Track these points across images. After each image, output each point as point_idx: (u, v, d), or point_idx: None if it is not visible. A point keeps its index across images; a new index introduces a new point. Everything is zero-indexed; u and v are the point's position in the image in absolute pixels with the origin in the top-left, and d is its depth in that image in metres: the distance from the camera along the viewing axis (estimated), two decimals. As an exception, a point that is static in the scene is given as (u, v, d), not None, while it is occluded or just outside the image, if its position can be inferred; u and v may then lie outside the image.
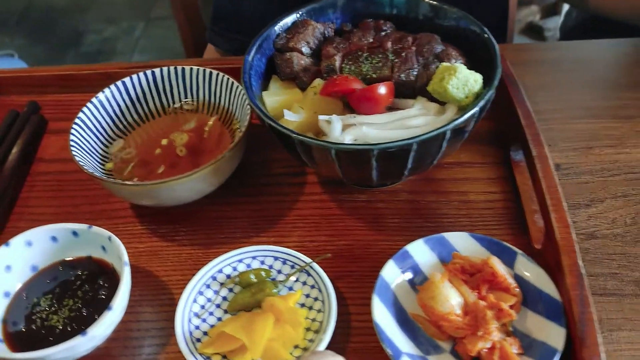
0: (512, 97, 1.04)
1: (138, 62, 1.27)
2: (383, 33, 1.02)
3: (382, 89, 0.87)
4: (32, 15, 3.80)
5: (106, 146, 1.05)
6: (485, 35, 0.94)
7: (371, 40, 1.00)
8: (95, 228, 0.89)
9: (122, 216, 1.03)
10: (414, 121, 0.87)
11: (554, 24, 3.21)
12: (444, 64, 0.91)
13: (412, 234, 0.96)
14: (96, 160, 1.01)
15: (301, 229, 0.99)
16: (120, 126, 1.08)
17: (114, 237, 0.87)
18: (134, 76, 1.07)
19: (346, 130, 0.86)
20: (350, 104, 0.90)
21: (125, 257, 0.84)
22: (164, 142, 1.06)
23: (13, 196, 1.07)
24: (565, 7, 2.87)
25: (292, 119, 0.89)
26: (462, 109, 0.90)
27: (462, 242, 0.90)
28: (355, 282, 0.91)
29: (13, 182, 1.08)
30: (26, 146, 1.15)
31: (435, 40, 0.97)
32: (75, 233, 0.90)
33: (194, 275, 0.89)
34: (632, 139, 1.08)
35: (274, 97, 0.93)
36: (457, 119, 0.83)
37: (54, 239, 0.91)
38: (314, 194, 1.04)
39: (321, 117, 0.88)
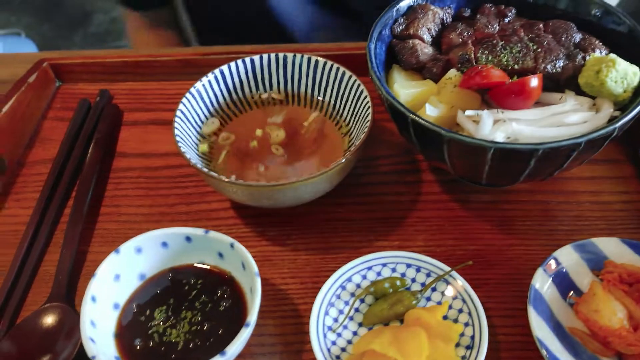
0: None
1: (218, 47, 1.16)
2: (507, 20, 0.94)
3: (535, 82, 0.79)
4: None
5: (200, 127, 0.97)
6: (634, 29, 0.86)
7: (498, 27, 0.92)
8: (213, 233, 0.81)
9: (223, 217, 0.95)
10: (570, 117, 0.79)
11: None
12: (595, 54, 0.83)
13: (546, 238, 0.89)
14: (194, 150, 0.93)
15: (424, 232, 0.91)
16: (215, 112, 1.00)
17: (237, 243, 0.79)
18: (232, 64, 0.98)
19: (495, 126, 0.78)
20: (493, 99, 0.82)
21: (255, 267, 0.76)
22: (259, 132, 0.97)
23: (98, 195, 0.98)
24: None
25: (433, 113, 0.81)
26: (616, 104, 0.82)
27: (614, 249, 0.82)
28: (494, 291, 0.84)
29: (95, 181, 0.99)
30: (105, 140, 1.05)
31: (572, 29, 0.89)
32: (189, 239, 0.82)
33: (316, 284, 0.82)
34: None
35: (409, 89, 0.85)
36: (623, 116, 0.75)
37: (164, 244, 0.82)
38: (432, 193, 0.96)
39: (467, 112, 0.80)
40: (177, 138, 0.87)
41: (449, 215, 0.93)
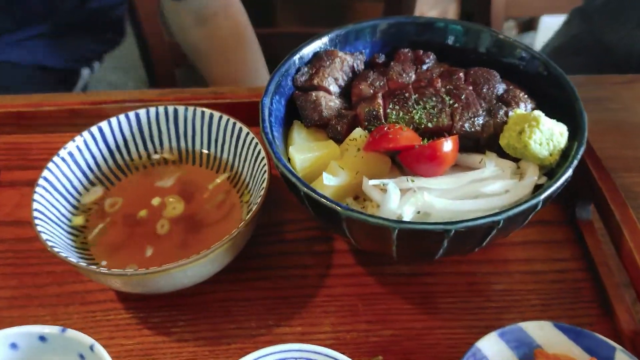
0: (577, 143, 0.87)
1: (103, 92, 1.03)
2: (425, 67, 0.83)
3: (448, 145, 0.68)
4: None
5: (74, 197, 0.83)
6: (558, 75, 0.77)
7: (413, 76, 0.81)
8: (70, 332, 0.67)
9: (101, 300, 0.81)
10: (489, 187, 0.68)
11: (530, 40, 3.12)
12: (517, 111, 0.73)
13: (472, 318, 0.78)
14: (65, 228, 0.79)
15: (333, 314, 0.79)
16: (96, 179, 0.86)
17: (97, 346, 0.65)
18: (113, 120, 0.85)
19: (404, 199, 0.67)
20: (403, 162, 0.71)
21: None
22: (155, 202, 0.84)
23: (-45, 274, 0.83)
24: (544, 22, 2.78)
25: (332, 183, 0.69)
26: (542, 167, 0.72)
27: (545, 335, 0.71)
28: (411, 389, 0.71)
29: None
30: (-28, 205, 0.90)
31: (494, 78, 0.79)
32: (43, 338, 0.68)
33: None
34: None
35: (306, 154, 0.73)
36: (548, 186, 0.65)
37: (13, 346, 0.68)
38: (343, 266, 0.84)
39: (372, 182, 0.68)
40: (36, 213, 0.74)
41: (363, 292, 0.81)
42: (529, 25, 3.24)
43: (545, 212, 0.89)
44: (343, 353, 0.66)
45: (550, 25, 2.29)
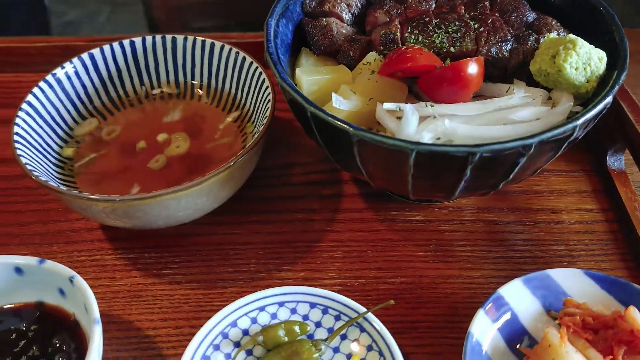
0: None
1: (104, 36, 0.96)
2: (446, -4, 0.76)
3: (473, 67, 0.61)
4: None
5: (64, 127, 0.76)
6: (599, 4, 0.69)
7: (434, 4, 0.74)
8: (49, 263, 0.61)
9: (87, 240, 0.75)
10: (518, 113, 0.61)
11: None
12: (550, 35, 0.66)
13: (493, 267, 0.72)
14: (51, 158, 0.72)
15: (340, 260, 0.72)
16: (92, 111, 0.79)
17: (78, 277, 0.60)
18: (106, 47, 0.78)
19: (423, 124, 0.60)
20: (423, 89, 0.64)
21: (96, 311, 0.57)
22: (161, 137, 0.77)
23: None
24: None
25: (342, 107, 0.62)
26: (577, 98, 0.65)
27: (574, 283, 0.65)
28: (424, 337, 0.66)
29: None
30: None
31: (523, 6, 0.72)
32: (19, 270, 0.62)
33: (194, 328, 0.63)
34: None
35: (314, 76, 0.66)
36: (587, 111, 0.57)
37: (-12, 277, 0.62)
38: (353, 210, 0.77)
39: (386, 106, 0.61)
40: (17, 137, 0.67)
41: (373, 238, 0.74)
42: None
43: (573, 160, 0.82)
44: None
45: None
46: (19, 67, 0.97)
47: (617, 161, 0.80)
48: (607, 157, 0.80)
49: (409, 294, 0.69)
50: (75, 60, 0.77)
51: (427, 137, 0.59)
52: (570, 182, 0.80)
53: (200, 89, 0.82)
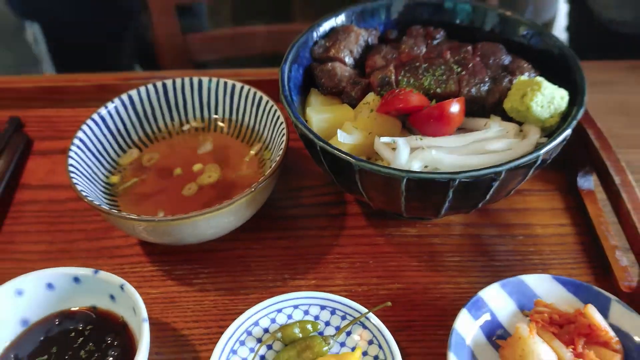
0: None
1: (138, 72, 1.09)
2: (435, 42, 0.89)
3: (455, 107, 0.73)
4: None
5: (110, 157, 0.89)
6: (563, 49, 0.81)
7: (424, 50, 0.87)
8: (102, 273, 0.73)
9: (127, 254, 0.87)
10: (493, 145, 0.73)
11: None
12: (522, 78, 0.78)
13: (479, 274, 0.83)
14: (99, 184, 0.85)
15: (345, 270, 0.84)
16: (132, 144, 0.92)
17: (127, 285, 0.71)
18: (142, 89, 0.91)
19: (413, 154, 0.72)
20: (413, 124, 0.76)
21: (144, 312, 0.68)
22: (197, 168, 0.89)
23: (-7, 230, 0.90)
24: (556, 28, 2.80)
25: (346, 141, 0.74)
26: (544, 130, 0.77)
27: (544, 287, 0.76)
28: (418, 334, 0.76)
29: (-7, 213, 0.90)
30: (7, 171, 0.96)
31: (501, 51, 0.84)
32: (77, 279, 0.74)
33: (222, 328, 0.73)
34: None
35: (322, 114, 0.78)
36: (549, 142, 0.69)
37: (50, 286, 0.74)
38: (356, 227, 0.89)
39: (383, 139, 0.73)
40: (71, 168, 0.80)
41: (373, 251, 0.86)
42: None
43: (548, 181, 0.94)
44: (354, 303, 0.72)
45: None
46: (60, 103, 1.10)
47: (586, 182, 0.91)
48: (578, 179, 0.92)
49: (404, 298, 0.80)
50: (116, 100, 0.89)
51: (416, 166, 0.71)
52: (545, 200, 0.92)
53: (222, 122, 0.94)
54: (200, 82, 0.92)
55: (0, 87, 1.09)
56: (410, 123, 0.77)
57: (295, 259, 0.85)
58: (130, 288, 0.71)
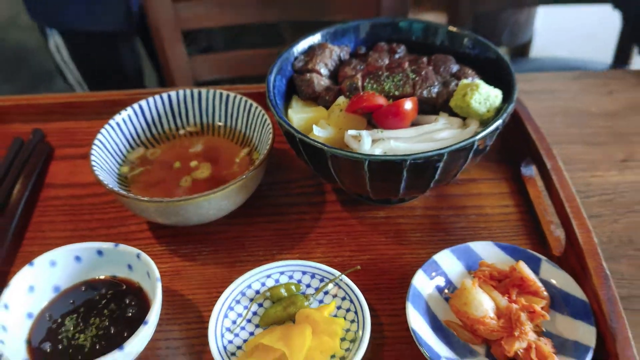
0: (520, 115, 1.09)
1: (142, 89, 1.26)
2: (397, 56, 1.06)
3: (409, 104, 0.90)
4: (3, 53, 3.73)
5: (122, 154, 1.06)
6: (499, 57, 0.99)
7: (387, 61, 1.04)
8: (122, 246, 0.88)
9: (140, 237, 1.02)
10: (440, 134, 0.89)
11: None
12: (464, 81, 0.95)
13: (435, 246, 0.98)
14: (114, 176, 1.01)
15: (324, 245, 0.99)
16: (140, 142, 1.09)
17: (143, 254, 0.86)
18: (150, 99, 1.08)
19: (375, 144, 0.88)
20: (375, 120, 0.93)
21: (157, 273, 0.84)
22: (193, 164, 1.06)
23: (24, 223, 1.05)
24: (534, 49, 2.98)
25: (320, 134, 0.91)
26: (484, 123, 0.93)
27: (488, 251, 0.92)
28: (384, 294, 0.91)
29: (22, 209, 1.06)
30: (34, 174, 1.13)
31: (450, 61, 1.01)
32: (100, 252, 0.89)
33: (221, 293, 0.88)
34: (604, 164, 1.14)
35: (301, 114, 0.95)
36: (482, 130, 0.86)
37: (77, 258, 0.89)
38: (333, 212, 1.05)
39: (350, 132, 0.90)
40: (93, 162, 0.95)
41: (348, 230, 1.01)
42: (521, 52, 3.46)
43: (497, 171, 1.10)
44: (329, 265, 0.88)
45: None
46: (77, 117, 1.26)
47: (528, 170, 1.08)
48: (521, 168, 1.08)
49: (373, 267, 0.95)
50: (129, 108, 1.06)
51: (377, 152, 0.88)
52: (494, 186, 1.08)
53: (218, 126, 1.11)
54: (199, 93, 1.09)
55: (23, 103, 1.26)
56: (374, 119, 0.93)
57: (283, 238, 1.01)
58: (145, 256, 0.86)
